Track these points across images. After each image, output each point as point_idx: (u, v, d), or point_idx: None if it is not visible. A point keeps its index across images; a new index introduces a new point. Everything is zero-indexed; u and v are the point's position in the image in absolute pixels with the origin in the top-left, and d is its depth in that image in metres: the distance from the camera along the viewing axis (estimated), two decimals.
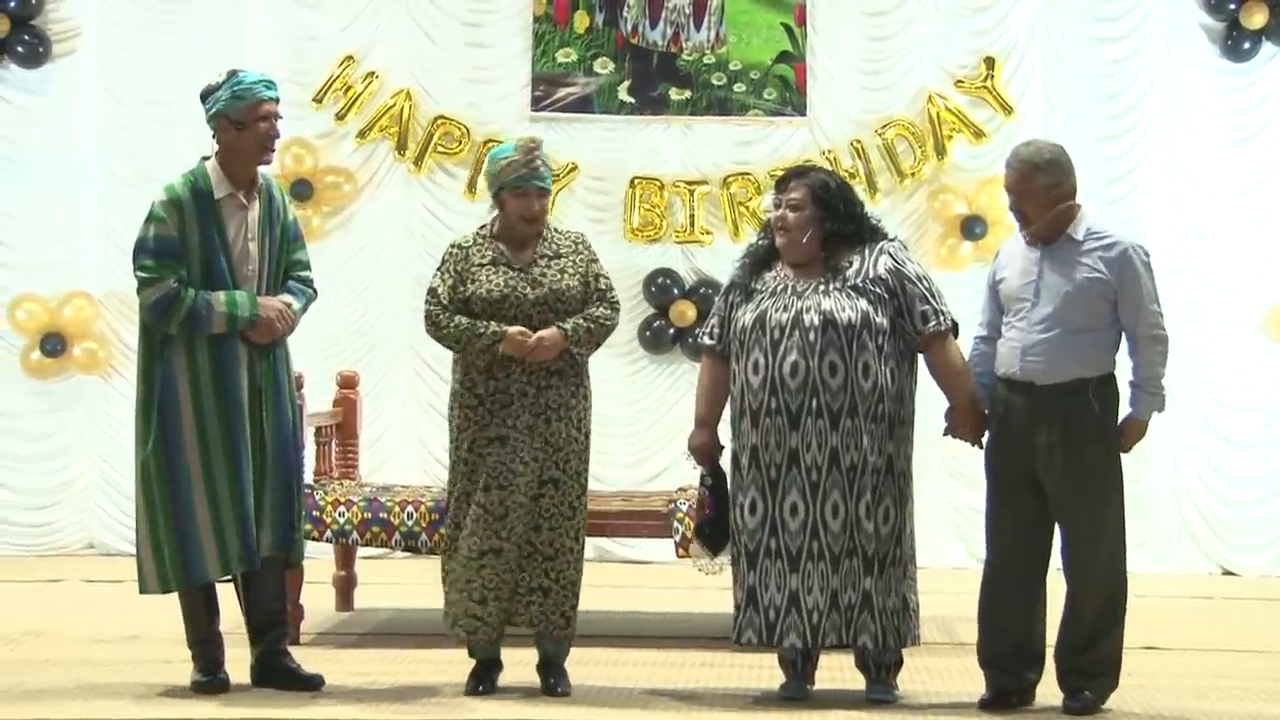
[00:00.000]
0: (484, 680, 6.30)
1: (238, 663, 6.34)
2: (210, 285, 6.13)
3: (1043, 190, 6.01)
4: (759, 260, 6.27)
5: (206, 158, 6.26)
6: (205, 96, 6.26)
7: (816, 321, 6.03)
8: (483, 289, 6.25)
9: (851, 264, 6.15)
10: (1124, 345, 6.08)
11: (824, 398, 6.02)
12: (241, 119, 6.18)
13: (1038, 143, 6.28)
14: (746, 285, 6.23)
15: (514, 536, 6.20)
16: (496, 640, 6.28)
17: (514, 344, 6.18)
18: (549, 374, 6.26)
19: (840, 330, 6.03)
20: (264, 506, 6.20)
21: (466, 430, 6.25)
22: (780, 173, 10.06)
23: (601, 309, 6.34)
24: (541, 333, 6.21)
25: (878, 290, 6.09)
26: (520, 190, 6.28)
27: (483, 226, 6.44)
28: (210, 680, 6.23)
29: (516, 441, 6.22)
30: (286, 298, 6.29)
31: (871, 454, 6.05)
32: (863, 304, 6.06)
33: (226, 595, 6.34)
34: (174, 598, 6.25)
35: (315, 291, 6.45)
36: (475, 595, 6.19)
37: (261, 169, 6.32)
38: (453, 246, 6.40)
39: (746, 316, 6.14)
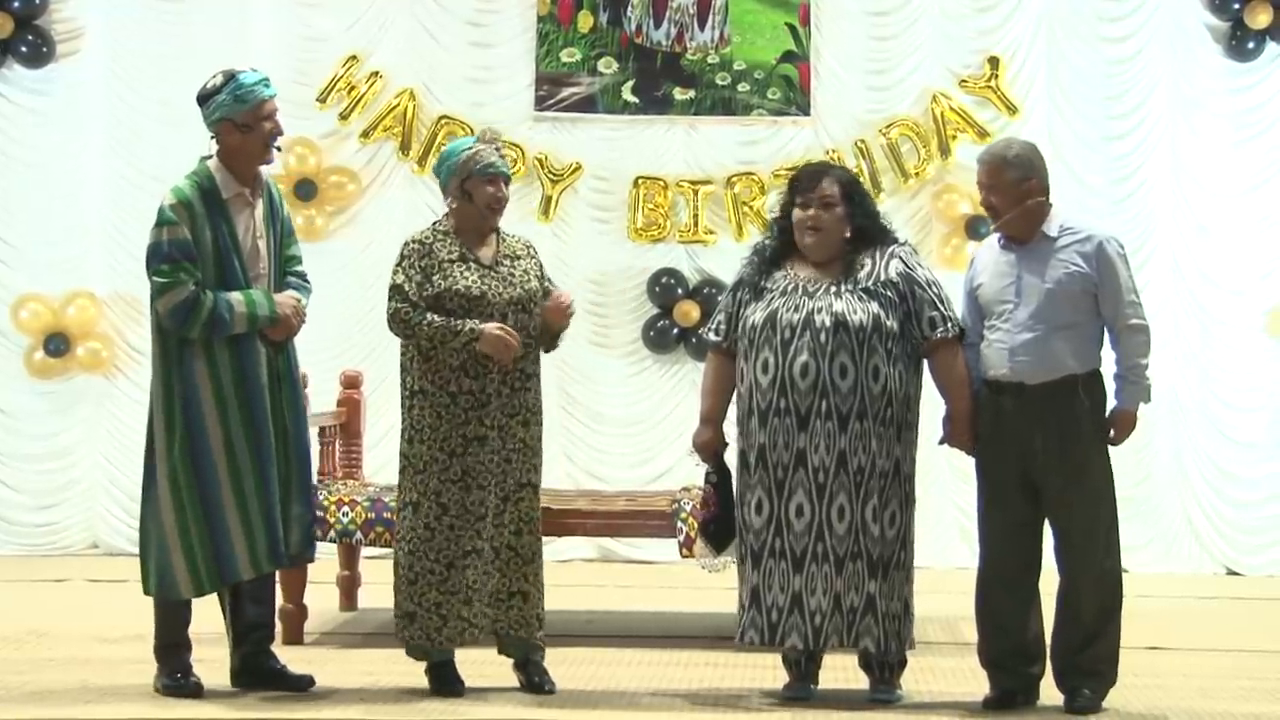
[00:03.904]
0: (455, 681, 6.27)
1: (216, 664, 6.33)
2: (224, 286, 6.10)
3: (1011, 184, 6.05)
4: (769, 259, 6.24)
5: (207, 157, 6.22)
6: (204, 101, 6.20)
7: (828, 323, 6.02)
8: (459, 285, 6.21)
9: (864, 266, 6.14)
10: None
11: (833, 400, 6.01)
12: (246, 121, 6.15)
13: (1008, 139, 6.44)
14: (756, 283, 6.20)
15: (490, 537, 6.20)
16: (473, 642, 6.24)
17: (492, 341, 6.15)
18: (524, 375, 6.27)
19: (852, 332, 6.02)
20: (290, 505, 6.18)
21: (438, 429, 6.18)
22: (784, 173, 10.09)
23: None
24: (559, 291, 6.31)
25: (889, 294, 6.08)
26: (489, 177, 6.29)
27: (437, 223, 6.40)
28: (183, 683, 6.17)
29: (494, 442, 6.20)
30: (295, 294, 6.28)
31: (880, 457, 6.04)
32: (874, 306, 6.05)
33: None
34: (148, 600, 6.22)
35: (310, 286, 6.43)
36: (461, 596, 6.17)
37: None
38: (412, 242, 6.32)
39: (757, 315, 6.12)
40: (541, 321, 6.31)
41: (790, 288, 6.14)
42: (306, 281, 6.40)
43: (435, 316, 6.17)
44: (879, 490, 6.04)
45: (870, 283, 6.10)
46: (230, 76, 6.19)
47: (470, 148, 6.32)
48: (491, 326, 6.16)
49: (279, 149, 6.27)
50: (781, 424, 6.03)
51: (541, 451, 6.37)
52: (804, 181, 6.22)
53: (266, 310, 6.13)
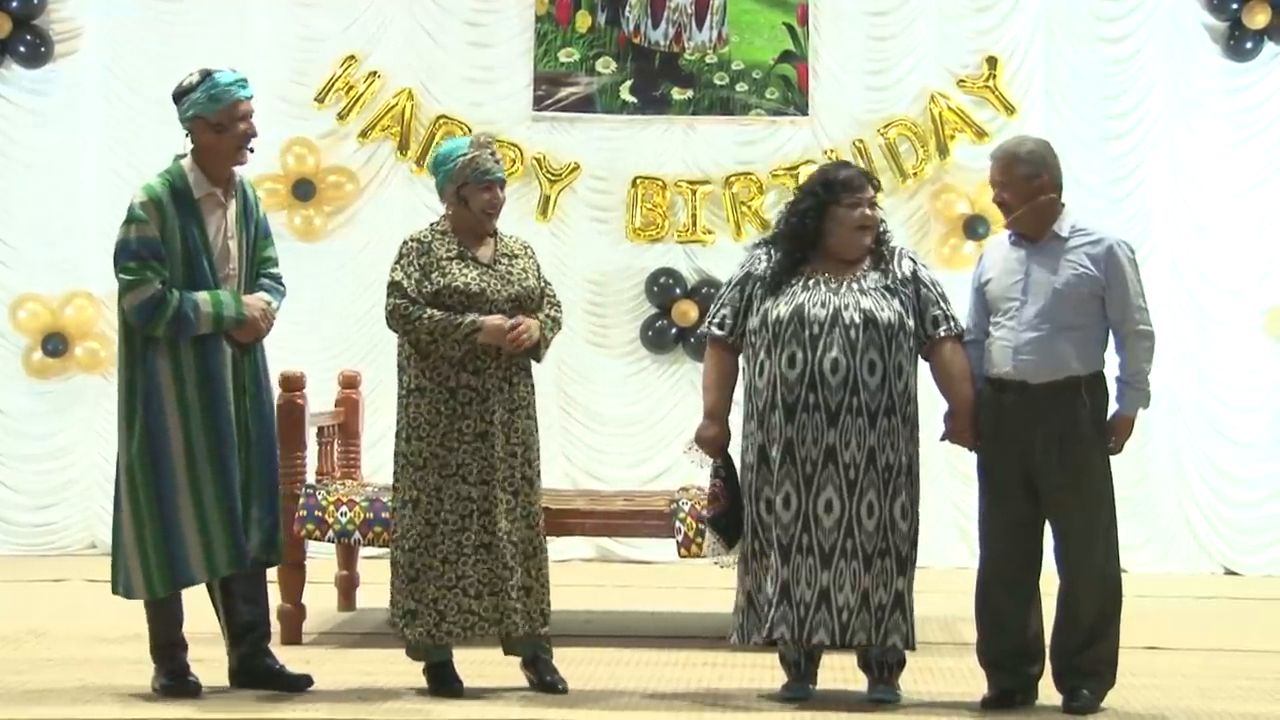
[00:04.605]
0: (453, 680, 6.27)
1: (216, 664, 6.33)
2: (193, 285, 6.07)
3: (1022, 180, 6.06)
4: (789, 255, 6.22)
5: (181, 156, 6.21)
6: (179, 98, 6.19)
7: (857, 319, 6.04)
8: (458, 281, 6.22)
9: (880, 265, 6.18)
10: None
11: (863, 396, 6.02)
12: (220, 121, 6.13)
13: (1022, 136, 6.49)
14: (769, 278, 6.17)
15: (500, 531, 6.20)
16: (478, 638, 6.24)
17: (494, 332, 6.16)
18: (519, 369, 6.29)
19: (881, 329, 6.05)
20: (251, 508, 6.16)
21: (437, 425, 6.20)
22: (782, 173, 10.08)
23: (556, 311, 6.43)
24: (521, 317, 6.23)
25: (907, 290, 6.13)
26: (485, 184, 6.30)
27: (435, 223, 6.41)
28: (182, 684, 6.17)
29: (494, 437, 6.21)
30: (266, 296, 6.26)
31: (903, 454, 6.07)
32: (896, 304, 6.10)
33: (196, 597, 6.30)
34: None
35: (285, 289, 6.41)
36: (471, 590, 6.17)
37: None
38: (411, 240, 6.34)
39: (780, 309, 6.11)
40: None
41: (812, 283, 6.14)
42: (280, 284, 6.36)
43: (435, 311, 6.18)
44: (904, 487, 6.07)
45: (890, 280, 6.14)
46: (206, 75, 6.18)
47: (465, 154, 6.32)
48: (492, 318, 6.17)
49: (252, 150, 6.24)
50: (811, 419, 6.03)
51: (538, 445, 6.39)
52: (852, 183, 6.21)
53: (233, 311, 6.10)
